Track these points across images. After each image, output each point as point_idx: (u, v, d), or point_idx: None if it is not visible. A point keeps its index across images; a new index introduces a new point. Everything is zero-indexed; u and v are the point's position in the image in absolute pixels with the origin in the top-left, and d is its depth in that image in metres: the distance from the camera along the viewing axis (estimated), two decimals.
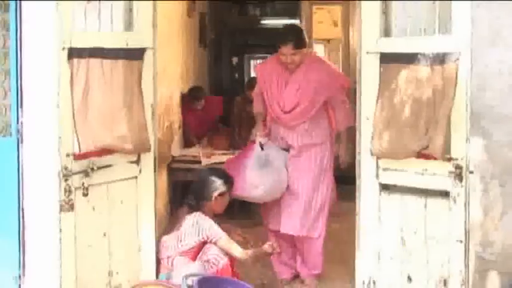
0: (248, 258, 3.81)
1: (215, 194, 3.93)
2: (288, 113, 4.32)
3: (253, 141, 4.32)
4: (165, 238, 3.81)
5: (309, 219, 4.26)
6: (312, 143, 4.32)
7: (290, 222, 4.26)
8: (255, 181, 4.14)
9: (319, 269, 4.36)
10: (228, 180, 4.02)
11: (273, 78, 4.38)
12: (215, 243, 3.75)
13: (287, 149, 4.36)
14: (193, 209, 3.89)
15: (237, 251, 3.78)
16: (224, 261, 3.72)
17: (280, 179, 4.25)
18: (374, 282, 3.53)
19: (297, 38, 4.28)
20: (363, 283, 3.57)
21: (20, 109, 3.26)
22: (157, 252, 3.73)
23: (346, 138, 4.43)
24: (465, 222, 3.21)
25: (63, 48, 3.19)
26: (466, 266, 3.22)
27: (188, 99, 6.84)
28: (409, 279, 3.43)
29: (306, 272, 4.40)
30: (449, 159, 3.23)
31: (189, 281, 3.39)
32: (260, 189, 4.15)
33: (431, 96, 3.26)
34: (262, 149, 4.25)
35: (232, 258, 3.80)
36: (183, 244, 3.74)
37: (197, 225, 3.77)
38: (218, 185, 3.95)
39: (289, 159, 4.34)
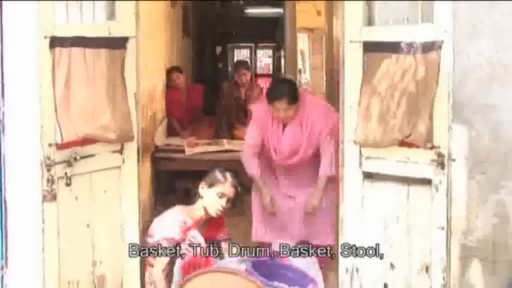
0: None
1: (205, 187, 3.80)
2: (284, 159, 4.32)
3: None
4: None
5: None
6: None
7: None
8: None
9: None
10: (228, 180, 3.82)
11: (268, 123, 4.30)
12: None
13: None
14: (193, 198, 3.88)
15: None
16: (198, 249, 3.67)
17: None
18: (357, 270, 3.55)
19: (290, 92, 4.19)
20: (346, 271, 3.60)
21: (1, 98, 3.23)
22: (143, 241, 3.73)
23: None
24: (447, 209, 3.24)
25: (45, 37, 3.17)
26: (448, 253, 3.25)
27: (167, 79, 6.82)
28: (392, 266, 3.46)
29: None
30: (432, 148, 3.26)
31: (243, 265, 3.41)
32: None
33: (415, 85, 3.27)
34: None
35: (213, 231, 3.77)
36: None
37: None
38: (213, 180, 3.81)
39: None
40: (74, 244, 3.33)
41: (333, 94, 7.73)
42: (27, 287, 3.19)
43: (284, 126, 4.29)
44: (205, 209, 3.82)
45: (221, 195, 3.78)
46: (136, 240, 3.66)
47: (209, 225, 3.91)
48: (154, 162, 5.95)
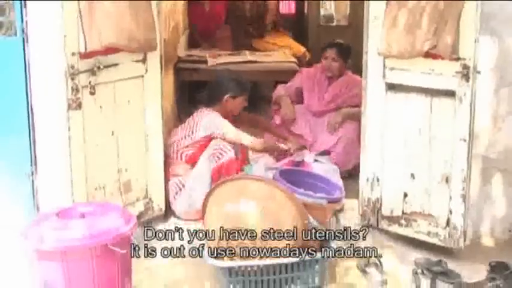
0: (259, 147, 4.00)
1: (226, 96, 4.03)
2: (326, 105, 4.75)
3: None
4: (173, 132, 3.90)
5: None
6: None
7: None
8: None
9: None
10: (241, 84, 4.10)
11: (318, 79, 4.79)
12: (224, 138, 3.86)
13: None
14: (207, 107, 4.04)
15: (247, 140, 3.95)
16: (228, 155, 3.79)
17: None
18: (378, 179, 3.61)
19: (341, 46, 4.81)
20: (367, 180, 3.65)
21: (24, 8, 3.22)
22: (165, 149, 3.81)
23: None
24: (470, 121, 3.23)
25: None
26: (469, 164, 3.27)
27: None
28: (412, 176, 3.50)
29: None
30: (457, 59, 3.21)
31: (270, 173, 3.54)
32: None
33: None
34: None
35: (243, 151, 3.92)
36: (192, 138, 3.86)
37: (206, 120, 3.90)
38: (231, 87, 4.05)
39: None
40: (99, 151, 3.40)
41: (357, 4, 7.56)
42: (56, 191, 3.29)
43: (330, 85, 4.79)
44: (229, 112, 4.09)
45: (244, 99, 4.18)
46: (160, 148, 3.73)
47: None
48: (177, 72, 5.94)
